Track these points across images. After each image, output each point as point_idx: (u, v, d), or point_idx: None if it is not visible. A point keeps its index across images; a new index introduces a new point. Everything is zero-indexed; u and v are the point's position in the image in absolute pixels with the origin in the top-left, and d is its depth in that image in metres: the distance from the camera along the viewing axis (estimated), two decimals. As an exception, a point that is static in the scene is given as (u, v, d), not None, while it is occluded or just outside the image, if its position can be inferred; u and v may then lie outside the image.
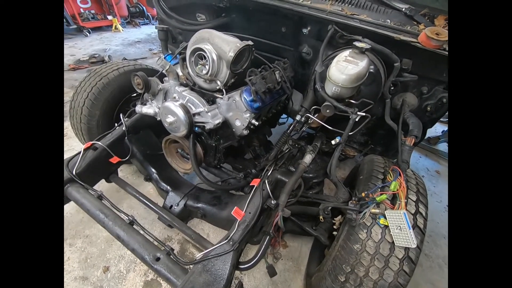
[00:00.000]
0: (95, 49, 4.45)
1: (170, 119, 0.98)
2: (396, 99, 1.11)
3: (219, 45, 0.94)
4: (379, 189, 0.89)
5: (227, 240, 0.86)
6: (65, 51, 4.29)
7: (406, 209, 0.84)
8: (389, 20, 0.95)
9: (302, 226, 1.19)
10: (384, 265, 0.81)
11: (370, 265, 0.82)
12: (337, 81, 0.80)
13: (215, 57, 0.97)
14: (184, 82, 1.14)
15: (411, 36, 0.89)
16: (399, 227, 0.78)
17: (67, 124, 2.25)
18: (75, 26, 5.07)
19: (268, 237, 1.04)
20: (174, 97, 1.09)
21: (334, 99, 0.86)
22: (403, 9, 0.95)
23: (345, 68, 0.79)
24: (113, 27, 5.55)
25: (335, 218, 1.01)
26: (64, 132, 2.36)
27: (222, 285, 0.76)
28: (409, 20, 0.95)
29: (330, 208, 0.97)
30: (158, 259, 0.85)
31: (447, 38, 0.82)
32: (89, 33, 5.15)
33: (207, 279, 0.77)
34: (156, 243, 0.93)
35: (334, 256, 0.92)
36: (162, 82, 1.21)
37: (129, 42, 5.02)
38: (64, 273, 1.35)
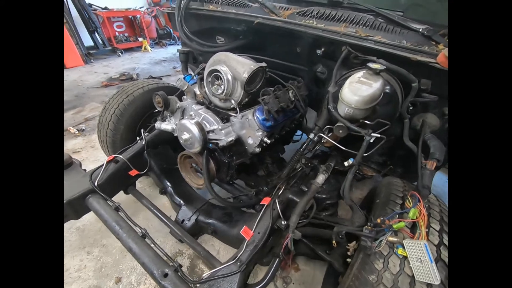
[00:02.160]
0: (126, 68, 4.86)
1: (185, 135, 1.02)
2: (415, 120, 1.06)
3: (234, 67, 0.98)
4: (397, 216, 0.83)
5: (234, 261, 0.84)
6: (99, 70, 4.74)
7: (428, 240, 0.77)
8: (405, 41, 0.94)
9: (314, 250, 1.14)
10: (404, 302, 0.73)
11: (388, 300, 0.75)
12: (349, 102, 0.79)
13: (230, 78, 1.01)
14: (201, 100, 1.20)
15: (429, 56, 0.86)
16: (419, 260, 0.71)
17: (95, 137, 2.43)
18: (110, 48, 5.61)
19: (277, 259, 1.00)
20: (191, 115, 1.14)
21: (347, 120, 0.85)
22: (420, 30, 0.94)
23: (358, 89, 0.78)
24: (143, 48, 6.06)
25: (349, 244, 0.95)
26: (92, 144, 2.55)
27: (228, 309, 0.74)
28: (427, 40, 0.93)
29: (344, 232, 0.93)
30: (166, 275, 0.85)
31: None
32: (122, 53, 5.66)
33: (212, 301, 0.76)
34: (165, 258, 0.94)
35: (348, 285, 0.86)
36: (181, 101, 1.28)
37: (156, 61, 5.42)
38: (80, 281, 1.40)
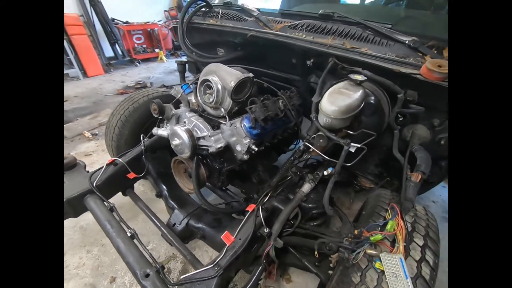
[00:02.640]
0: (141, 77, 5.14)
1: (176, 141, 1.07)
2: (405, 131, 1.05)
3: (223, 77, 1.03)
4: (378, 228, 0.81)
5: (212, 265, 0.86)
6: (117, 79, 5.05)
7: (406, 254, 0.75)
8: (390, 53, 0.94)
9: (301, 260, 1.12)
10: (380, 319, 0.71)
11: (364, 315, 0.73)
12: (327, 112, 0.80)
13: (220, 87, 1.06)
14: (195, 108, 1.25)
15: (413, 68, 0.86)
16: (395, 275, 0.69)
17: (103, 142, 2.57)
18: (128, 58, 5.98)
19: (260, 267, 1.00)
20: (184, 122, 1.19)
21: (327, 129, 0.86)
22: (407, 42, 0.94)
23: (336, 99, 0.80)
24: (159, 58, 6.39)
25: (332, 256, 0.94)
26: (103, 148, 2.69)
27: (201, 313, 0.75)
28: (413, 52, 0.93)
29: (329, 243, 0.91)
30: (147, 275, 0.88)
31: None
32: (139, 63, 6.01)
33: (186, 303, 0.77)
34: (150, 259, 0.97)
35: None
36: (179, 108, 1.35)
37: (170, 71, 5.69)
38: (78, 278, 1.46)
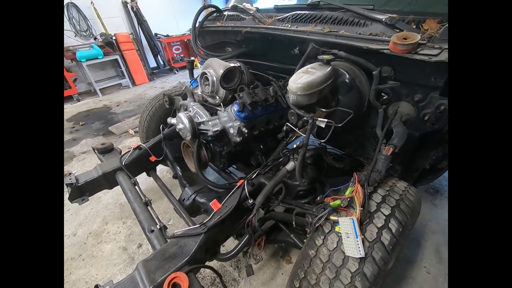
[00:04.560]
0: (178, 82, 5.74)
1: (180, 126, 1.28)
2: (390, 109, 1.04)
3: (215, 68, 1.20)
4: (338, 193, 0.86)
5: (200, 225, 1.02)
6: (158, 85, 5.76)
7: (367, 220, 0.78)
8: (365, 32, 0.97)
9: (290, 236, 1.20)
10: (335, 276, 0.77)
11: (322, 273, 0.79)
12: (292, 89, 0.89)
13: (214, 79, 1.23)
14: (200, 99, 1.45)
15: (384, 44, 0.88)
16: (347, 235, 0.74)
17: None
18: (168, 67, 6.73)
19: (247, 236, 1.12)
20: (189, 110, 1.40)
21: (296, 106, 0.93)
22: (383, 19, 0.95)
23: (299, 78, 0.88)
24: (194, 65, 7.01)
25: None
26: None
27: (185, 259, 0.91)
28: (390, 29, 0.94)
29: (303, 213, 0.98)
30: (152, 231, 1.10)
31: (415, 40, 0.79)
32: (177, 71, 6.71)
33: (176, 251, 0.94)
34: (156, 220, 1.19)
35: (297, 260, 0.91)
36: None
37: (203, 75, 6.20)
38: (115, 242, 1.80)
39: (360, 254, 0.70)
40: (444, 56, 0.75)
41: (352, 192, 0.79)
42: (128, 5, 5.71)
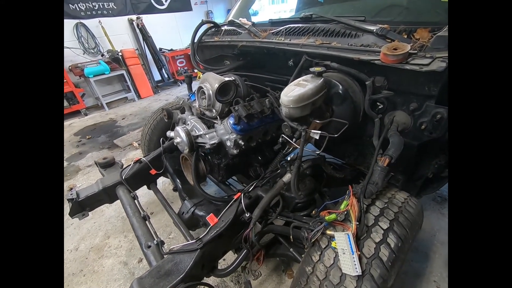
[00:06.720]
0: (182, 95, 5.86)
1: (177, 139, 1.29)
2: (386, 119, 1.03)
3: (211, 82, 1.22)
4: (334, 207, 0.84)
5: (195, 241, 1.00)
6: (163, 98, 5.88)
7: (365, 235, 0.76)
8: (357, 43, 0.97)
9: (289, 249, 1.17)
10: (333, 295, 0.73)
11: (319, 292, 0.76)
12: (284, 102, 0.89)
13: (210, 92, 1.25)
14: (198, 112, 1.47)
15: (375, 54, 0.88)
16: (343, 251, 0.71)
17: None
18: (173, 80, 6.90)
19: (245, 251, 1.10)
20: (187, 124, 1.41)
21: (289, 119, 0.93)
22: (374, 30, 0.95)
23: (291, 90, 0.88)
24: (197, 77, 7.16)
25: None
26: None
27: (180, 277, 0.90)
28: (381, 39, 0.94)
29: (300, 227, 0.96)
30: (149, 246, 1.09)
31: (405, 51, 0.78)
32: (181, 83, 6.86)
33: (171, 268, 0.93)
34: (154, 235, 1.18)
35: (295, 276, 0.88)
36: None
37: (206, 87, 6.32)
38: (116, 256, 1.79)
39: (357, 271, 0.67)
40: (436, 66, 0.74)
41: (347, 205, 0.77)
42: (134, 22, 5.95)
